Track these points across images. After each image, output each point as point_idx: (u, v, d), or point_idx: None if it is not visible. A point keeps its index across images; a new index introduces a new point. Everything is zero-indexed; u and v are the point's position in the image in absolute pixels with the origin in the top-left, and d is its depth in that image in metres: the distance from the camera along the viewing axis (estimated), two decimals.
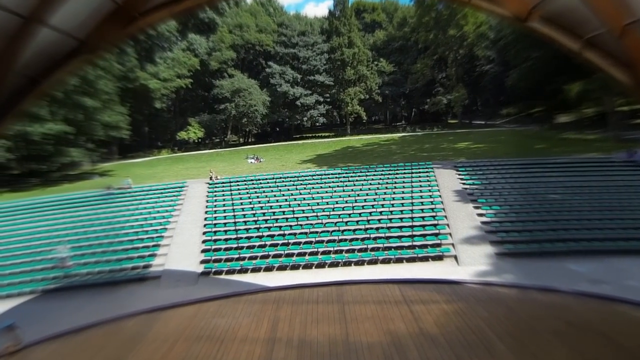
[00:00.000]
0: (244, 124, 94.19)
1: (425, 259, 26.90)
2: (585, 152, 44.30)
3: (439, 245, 28.10)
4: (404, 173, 40.25)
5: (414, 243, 28.38)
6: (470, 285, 16.69)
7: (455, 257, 26.80)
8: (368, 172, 41.83)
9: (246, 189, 40.83)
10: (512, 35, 73.93)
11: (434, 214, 31.67)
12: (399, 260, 26.94)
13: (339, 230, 30.70)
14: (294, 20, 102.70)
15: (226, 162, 62.75)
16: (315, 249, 28.74)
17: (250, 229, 32.55)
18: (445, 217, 31.31)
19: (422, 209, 32.51)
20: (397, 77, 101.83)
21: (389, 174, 40.36)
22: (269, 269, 27.62)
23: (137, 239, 32.66)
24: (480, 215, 31.04)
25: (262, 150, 74.55)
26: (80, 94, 56.85)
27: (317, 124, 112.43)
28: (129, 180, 46.05)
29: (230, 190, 40.74)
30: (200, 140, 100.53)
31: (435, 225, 30.17)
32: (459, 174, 38.69)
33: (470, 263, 25.70)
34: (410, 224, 30.52)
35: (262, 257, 28.77)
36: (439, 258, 26.91)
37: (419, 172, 40.00)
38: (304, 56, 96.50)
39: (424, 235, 29.15)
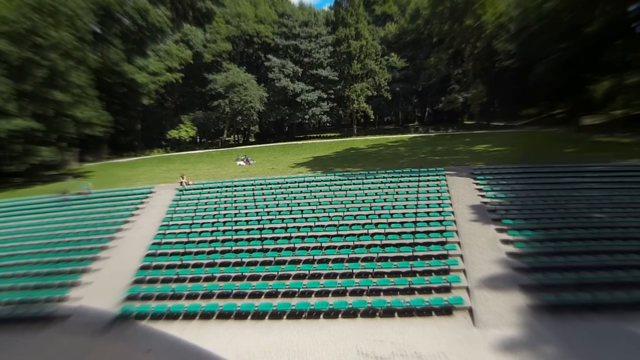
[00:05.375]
0: (238, 122, 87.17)
1: (426, 312, 18.69)
2: (625, 158, 36.25)
3: (447, 289, 19.93)
4: (410, 181, 32.47)
5: (413, 285, 20.25)
6: None
7: (470, 311, 18.53)
8: (366, 179, 34.27)
9: (216, 197, 34.33)
10: (537, 25, 66.49)
11: (443, 239, 23.60)
12: (388, 313, 18.88)
13: (311, 262, 22.95)
14: (297, 11, 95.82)
15: (213, 164, 57.84)
16: (274, 290, 20.97)
17: (200, 253, 25.30)
18: (459, 244, 23.24)
19: (427, 232, 24.40)
20: (409, 72, 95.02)
21: (391, 182, 32.70)
22: (206, 316, 20.19)
23: (63, 261, 26.62)
24: (506, 242, 22.82)
25: (256, 151, 69.93)
26: (50, 87, 51.07)
27: (327, 124, 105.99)
28: (89, 184, 41.44)
29: (198, 199, 34.41)
30: (195, 139, 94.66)
31: (444, 257, 22.22)
32: (477, 184, 30.70)
33: (491, 323, 17.51)
34: (409, 254, 22.53)
35: (204, 296, 21.51)
36: (447, 312, 18.62)
37: (428, 180, 32.29)
38: (305, 48, 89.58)
39: (427, 274, 21.07)
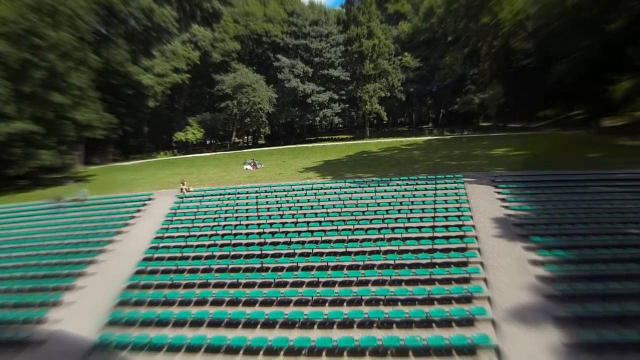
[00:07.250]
0: (247, 124, 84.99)
1: (446, 352, 15.90)
2: None
3: (470, 322, 17.12)
4: (426, 189, 29.94)
5: (430, 317, 17.51)
6: None
7: (497, 351, 15.69)
8: (379, 186, 31.70)
9: (217, 206, 32.03)
10: (557, 22, 63.53)
11: (464, 259, 20.99)
12: (401, 353, 16.11)
13: (315, 284, 20.48)
14: (307, 9, 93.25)
15: (219, 168, 55.93)
16: (271, 320, 18.46)
17: (193, 271, 23.02)
18: (482, 265, 20.57)
19: (446, 250, 21.82)
20: (423, 73, 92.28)
21: (406, 190, 30.15)
22: (192, 349, 17.69)
23: (48, 276, 24.75)
24: (536, 263, 20.02)
25: (265, 154, 68.10)
26: (49, 89, 49.55)
27: (339, 125, 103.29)
28: (85, 190, 39.47)
29: (197, 208, 32.17)
30: (204, 141, 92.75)
31: (466, 281, 19.56)
32: (499, 192, 28.03)
33: None
34: (426, 277, 19.97)
35: (192, 324, 19.17)
36: (470, 352, 15.83)
37: (445, 189, 29.67)
38: (316, 48, 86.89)
39: (446, 302, 18.37)
